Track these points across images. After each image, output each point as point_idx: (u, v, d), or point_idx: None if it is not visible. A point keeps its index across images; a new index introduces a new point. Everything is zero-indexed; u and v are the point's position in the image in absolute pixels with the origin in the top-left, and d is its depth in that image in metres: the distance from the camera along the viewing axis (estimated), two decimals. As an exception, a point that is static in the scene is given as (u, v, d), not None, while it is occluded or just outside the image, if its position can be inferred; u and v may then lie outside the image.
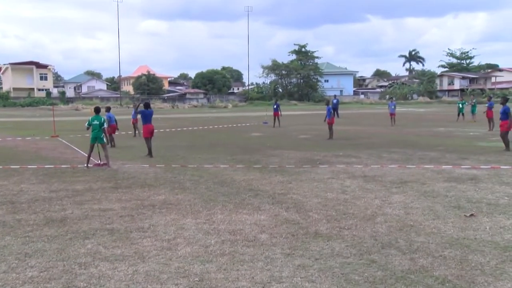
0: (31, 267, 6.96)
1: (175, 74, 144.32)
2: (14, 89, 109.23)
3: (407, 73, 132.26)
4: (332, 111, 27.79)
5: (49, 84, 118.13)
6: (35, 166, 17.10)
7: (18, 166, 17.11)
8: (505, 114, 19.95)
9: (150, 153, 19.14)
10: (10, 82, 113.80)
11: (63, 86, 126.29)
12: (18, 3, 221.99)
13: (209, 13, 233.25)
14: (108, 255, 7.39)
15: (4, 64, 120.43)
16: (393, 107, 39.18)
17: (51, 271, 6.76)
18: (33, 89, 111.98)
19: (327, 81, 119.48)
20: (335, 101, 33.22)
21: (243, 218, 9.46)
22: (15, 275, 6.65)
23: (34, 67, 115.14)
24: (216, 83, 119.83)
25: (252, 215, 9.66)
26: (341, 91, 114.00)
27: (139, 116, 23.07)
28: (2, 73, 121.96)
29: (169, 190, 12.43)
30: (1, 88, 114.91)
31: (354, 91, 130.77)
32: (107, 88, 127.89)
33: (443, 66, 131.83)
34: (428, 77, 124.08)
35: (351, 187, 12.57)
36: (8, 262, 7.20)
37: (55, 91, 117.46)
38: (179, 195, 11.79)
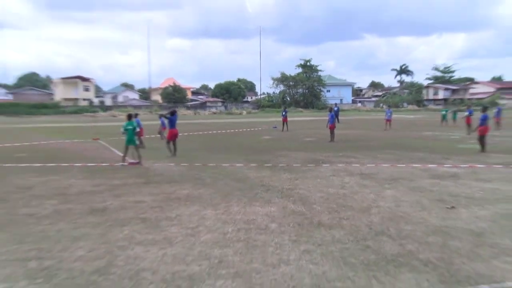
0: (80, 247, 7.15)
1: (197, 85, 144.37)
2: (63, 99, 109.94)
3: (398, 85, 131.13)
4: (335, 117, 27.79)
5: (91, 94, 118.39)
6: (81, 164, 17.28)
7: (67, 164, 17.29)
8: (484, 120, 19.97)
9: (174, 153, 19.28)
10: (60, 93, 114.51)
11: (102, 96, 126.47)
12: (68, 28, 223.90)
13: (226, 32, 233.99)
14: (141, 240, 7.52)
15: (56, 79, 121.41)
16: (389, 114, 39.15)
17: (96, 251, 6.94)
18: (78, 99, 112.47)
19: (329, 91, 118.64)
20: (336, 108, 33.19)
21: (256, 209, 9.53)
22: (68, 254, 6.85)
23: (79, 80, 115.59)
24: (232, 93, 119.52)
25: (263, 207, 9.72)
26: (341, 100, 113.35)
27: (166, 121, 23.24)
28: (55, 86, 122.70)
29: (192, 185, 12.51)
30: (53, 98, 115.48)
31: (352, 100, 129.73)
32: (139, 98, 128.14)
33: (429, 79, 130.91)
34: (416, 88, 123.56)
35: (349, 183, 12.59)
36: (62, 243, 7.40)
37: (96, 101, 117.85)
38: (200, 190, 11.86)
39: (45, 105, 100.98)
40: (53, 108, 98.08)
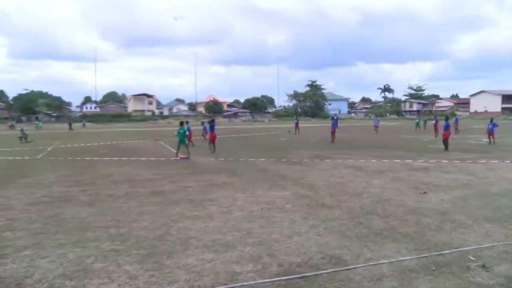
0: (145, 220, 7.16)
1: (230, 99, 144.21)
2: (134, 110, 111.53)
3: (382, 99, 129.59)
4: (335, 124, 27.49)
5: (153, 107, 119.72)
6: (145, 158, 17.43)
7: (136, 158, 17.47)
8: (446, 127, 19.77)
9: (214, 151, 19.30)
10: (132, 106, 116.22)
11: (161, 108, 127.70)
12: (137, 59, 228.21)
13: (252, 60, 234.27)
14: (189, 215, 7.49)
15: (129, 96, 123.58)
16: (377, 121, 39.40)
17: (156, 223, 6.94)
18: (144, 110, 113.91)
19: (330, 104, 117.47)
20: (335, 117, 32.98)
21: (274, 194, 9.43)
22: (136, 224, 6.87)
23: (145, 97, 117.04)
24: (257, 105, 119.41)
25: (280, 192, 9.63)
26: (339, 111, 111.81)
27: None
28: (128, 101, 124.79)
29: (227, 175, 12.46)
30: (127, 110, 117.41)
31: (348, 111, 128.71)
32: (188, 109, 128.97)
33: (405, 95, 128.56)
34: (396, 102, 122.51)
35: (346, 174, 12.40)
36: (132, 216, 7.43)
37: (157, 111, 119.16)
38: (233, 178, 11.81)
39: (121, 115, 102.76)
40: (127, 117, 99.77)
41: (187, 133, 19.24)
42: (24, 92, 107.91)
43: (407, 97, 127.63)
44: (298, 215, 7.38)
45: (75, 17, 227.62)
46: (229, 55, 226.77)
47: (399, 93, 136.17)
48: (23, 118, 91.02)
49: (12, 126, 57.88)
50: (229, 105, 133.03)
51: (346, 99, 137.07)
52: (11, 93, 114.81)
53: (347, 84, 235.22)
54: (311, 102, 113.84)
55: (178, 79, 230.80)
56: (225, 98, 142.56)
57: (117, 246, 5.73)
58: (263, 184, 10.68)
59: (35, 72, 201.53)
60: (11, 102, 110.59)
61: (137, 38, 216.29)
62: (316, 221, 6.98)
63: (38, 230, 6.58)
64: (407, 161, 15.48)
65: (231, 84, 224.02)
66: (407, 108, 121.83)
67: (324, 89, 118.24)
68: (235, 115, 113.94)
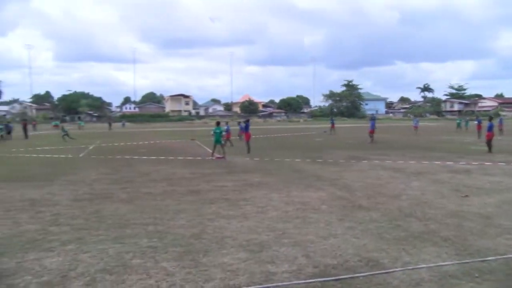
0: (181, 218, 7.30)
1: (266, 99, 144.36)
2: (171, 111, 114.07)
3: (422, 99, 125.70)
4: (375, 124, 26.87)
5: (190, 107, 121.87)
6: (182, 158, 17.76)
7: (173, 157, 17.82)
8: (490, 127, 19.04)
9: (249, 151, 19.39)
10: (169, 107, 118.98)
11: (198, 108, 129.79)
12: (175, 60, 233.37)
13: (287, 60, 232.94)
14: (225, 214, 7.56)
15: (167, 96, 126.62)
16: (416, 121, 38.67)
17: (192, 221, 7.04)
18: (181, 110, 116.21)
19: (367, 104, 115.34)
20: (374, 117, 32.50)
21: (310, 194, 9.36)
22: (173, 222, 7.02)
23: (182, 97, 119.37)
24: (293, 105, 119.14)
25: (316, 193, 9.54)
26: (376, 111, 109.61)
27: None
28: (166, 101, 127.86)
29: (262, 175, 12.47)
30: (165, 110, 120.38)
31: (385, 111, 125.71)
32: (224, 109, 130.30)
33: (446, 95, 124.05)
34: (436, 102, 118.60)
35: (384, 175, 12.12)
36: (169, 214, 7.59)
37: (193, 112, 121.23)
38: (268, 178, 11.82)
39: (159, 115, 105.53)
40: (164, 117, 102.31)
41: (225, 133, 19.50)
42: (67, 93, 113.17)
43: (448, 97, 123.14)
44: (334, 217, 7.29)
45: (116, 21, 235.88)
46: (264, 55, 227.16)
47: (439, 93, 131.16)
48: (67, 118, 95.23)
49: (56, 126, 60.67)
50: (264, 105, 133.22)
51: (384, 99, 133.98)
52: (56, 94, 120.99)
53: (384, 84, 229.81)
54: (347, 102, 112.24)
55: (214, 79, 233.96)
56: (261, 98, 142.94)
57: (154, 243, 5.88)
58: (298, 185, 10.62)
59: (78, 74, 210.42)
60: (56, 103, 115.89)
61: (175, 39, 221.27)
62: (353, 223, 6.87)
63: (81, 226, 6.86)
64: (448, 163, 14.93)
65: (266, 84, 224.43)
66: (448, 108, 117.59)
67: (361, 88, 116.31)
68: (270, 115, 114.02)
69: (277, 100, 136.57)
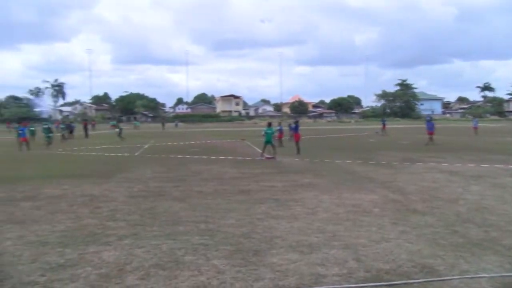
0: (231, 217, 7.40)
1: (316, 100, 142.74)
2: (222, 111, 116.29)
3: (482, 99, 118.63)
4: (433, 125, 25.47)
5: (240, 108, 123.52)
6: (232, 158, 18.03)
7: (223, 157, 18.13)
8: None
9: (298, 152, 19.30)
10: (220, 107, 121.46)
11: (248, 109, 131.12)
12: (225, 62, 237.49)
13: (338, 60, 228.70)
14: (274, 214, 7.57)
15: (217, 97, 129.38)
16: (476, 122, 36.96)
17: (242, 221, 7.13)
18: (231, 111, 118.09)
19: (422, 104, 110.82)
20: (428, 118, 30.88)
21: (361, 196, 9.15)
22: (223, 221, 7.13)
23: (232, 98, 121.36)
24: (343, 106, 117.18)
25: (368, 195, 9.31)
26: (432, 111, 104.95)
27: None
28: (216, 102, 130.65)
29: (312, 176, 12.37)
30: (215, 110, 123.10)
31: (442, 111, 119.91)
32: (273, 110, 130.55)
33: (509, 94, 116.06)
34: (498, 102, 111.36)
35: (440, 179, 11.58)
36: (220, 213, 7.72)
37: (243, 112, 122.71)
38: (318, 179, 11.70)
39: (210, 115, 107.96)
40: (215, 118, 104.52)
41: (277, 133, 19.57)
42: (124, 94, 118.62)
43: (511, 96, 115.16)
44: (386, 220, 7.08)
45: (170, 24, 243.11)
46: (315, 55, 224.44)
47: (501, 92, 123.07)
48: (123, 118, 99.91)
49: (114, 126, 63.86)
50: (315, 106, 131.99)
51: (440, 99, 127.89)
52: (113, 95, 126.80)
53: (441, 83, 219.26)
54: (401, 102, 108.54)
55: (264, 80, 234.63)
56: (311, 98, 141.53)
57: (206, 241, 6.02)
58: (349, 186, 10.43)
59: (134, 76, 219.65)
60: (114, 103, 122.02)
61: (226, 41, 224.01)
62: (407, 227, 6.63)
63: (136, 221, 7.18)
64: (510, 166, 14.00)
65: (316, 85, 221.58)
66: (511, 108, 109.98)
67: (415, 88, 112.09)
68: (320, 115, 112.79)
69: (327, 100, 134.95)
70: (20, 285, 4.57)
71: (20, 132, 24.12)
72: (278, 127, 25.02)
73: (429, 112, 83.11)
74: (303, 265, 5.04)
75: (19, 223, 7.16)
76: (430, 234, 6.24)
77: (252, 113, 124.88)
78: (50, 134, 26.66)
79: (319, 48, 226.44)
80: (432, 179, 11.58)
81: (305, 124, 64.70)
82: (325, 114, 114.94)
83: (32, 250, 5.68)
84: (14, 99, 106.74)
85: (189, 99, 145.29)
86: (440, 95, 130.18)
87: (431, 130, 24.73)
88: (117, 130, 34.03)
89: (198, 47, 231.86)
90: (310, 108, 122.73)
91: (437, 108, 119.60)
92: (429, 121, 26.07)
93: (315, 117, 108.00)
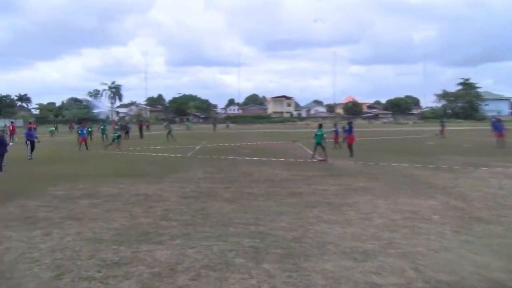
0: (282, 220, 7.37)
1: (371, 100, 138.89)
2: (273, 112, 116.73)
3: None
4: (502, 127, 23.81)
5: (291, 108, 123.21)
6: (283, 159, 18.00)
7: (274, 159, 18.14)
8: None
9: (352, 154, 18.85)
10: (271, 108, 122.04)
11: (299, 110, 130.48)
12: (277, 62, 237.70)
13: (394, 58, 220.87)
14: (326, 219, 7.45)
15: (269, 98, 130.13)
16: None
17: (294, 224, 7.08)
18: (282, 112, 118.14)
19: (487, 104, 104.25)
20: (493, 119, 28.92)
21: (420, 202, 8.76)
22: (274, 224, 7.12)
23: (284, 98, 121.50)
24: (400, 106, 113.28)
25: (426, 201, 8.90)
26: (498, 112, 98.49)
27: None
28: (268, 103, 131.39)
29: (366, 179, 12.04)
30: (266, 111, 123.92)
31: (510, 112, 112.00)
32: (326, 111, 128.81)
33: None
34: None
35: (507, 185, 10.84)
36: (271, 216, 7.72)
37: (295, 113, 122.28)
38: (373, 183, 11.36)
39: (261, 117, 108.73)
40: (266, 119, 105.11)
41: (333, 135, 19.27)
42: (177, 95, 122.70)
43: None
44: (447, 228, 6.72)
45: (222, 26, 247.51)
46: (369, 54, 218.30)
47: None
48: (177, 119, 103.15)
49: (166, 127, 66.10)
50: (369, 106, 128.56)
51: (507, 99, 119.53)
52: (167, 97, 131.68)
53: (508, 82, 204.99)
54: (463, 103, 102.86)
55: (316, 80, 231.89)
56: (365, 99, 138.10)
57: (256, 244, 6.02)
58: (406, 191, 10.03)
59: (187, 78, 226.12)
60: (167, 105, 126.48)
61: (278, 41, 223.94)
62: (470, 236, 6.25)
63: (188, 222, 7.35)
64: None
65: (371, 84, 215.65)
66: None
67: (479, 87, 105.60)
68: (375, 116, 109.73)
69: (383, 100, 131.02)
70: (78, 279, 4.82)
71: (80, 132, 25.59)
72: (333, 128, 24.59)
73: (495, 113, 77.95)
74: (357, 273, 4.89)
75: (78, 220, 7.59)
76: (498, 245, 5.83)
77: (304, 114, 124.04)
78: (117, 134, 27.25)
79: (374, 47, 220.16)
80: (499, 185, 10.85)
81: (359, 125, 63.09)
82: (380, 115, 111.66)
83: (90, 246, 5.98)
84: (75, 100, 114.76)
85: (241, 100, 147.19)
86: (507, 94, 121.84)
87: (500, 131, 23.18)
88: (167, 130, 35.33)
89: (250, 48, 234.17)
90: (365, 109, 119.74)
91: (504, 108, 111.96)
92: (498, 121, 24.44)
93: (370, 118, 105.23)
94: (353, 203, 8.79)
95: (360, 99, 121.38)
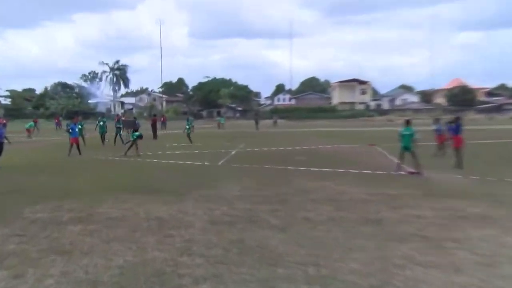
0: (354, 260, 7.27)
1: (491, 84, 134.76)
2: (340, 103, 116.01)
3: None
4: None
5: (367, 98, 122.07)
6: (356, 171, 17.79)
7: (342, 170, 17.99)
8: None
9: (460, 164, 18.26)
10: (337, 97, 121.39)
11: (379, 100, 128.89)
12: (346, 32, 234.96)
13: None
14: (422, 260, 7.25)
15: (334, 83, 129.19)
16: None
17: (370, 267, 6.95)
18: (354, 102, 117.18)
19: None
20: None
21: None
22: (342, 265, 7.04)
23: (356, 83, 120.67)
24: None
25: None
26: None
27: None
28: (333, 90, 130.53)
29: (486, 204, 11.57)
30: (331, 102, 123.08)
31: None
32: (419, 100, 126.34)
33: None
34: None
35: None
36: (337, 252, 7.67)
37: (372, 104, 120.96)
38: (496, 210, 10.90)
39: (323, 109, 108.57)
40: (330, 112, 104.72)
41: (435, 135, 18.83)
42: (205, 80, 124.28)
43: None
44: None
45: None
46: (489, 14, 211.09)
47: None
48: (203, 113, 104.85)
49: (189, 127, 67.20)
50: (489, 93, 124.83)
51: None
52: (191, 82, 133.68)
53: None
54: None
55: (404, 57, 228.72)
56: (482, 82, 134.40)
57: (317, 293, 5.96)
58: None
59: (218, 55, 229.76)
60: (190, 93, 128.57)
61: (347, 2, 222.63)
62: None
63: (218, 258, 7.38)
64: None
65: (492, 61, 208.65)
66: None
67: None
68: (498, 108, 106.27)
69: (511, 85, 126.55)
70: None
71: (70, 130, 26.27)
72: (435, 127, 23.99)
73: None
74: None
75: (65, 254, 7.78)
76: None
77: (386, 105, 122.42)
78: (139, 133, 26.78)
79: (495, 2, 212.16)
80: None
81: (472, 122, 61.17)
82: (506, 107, 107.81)
83: (81, 291, 6.12)
84: (63, 86, 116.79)
85: (294, 86, 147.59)
86: None
87: None
88: (186, 127, 35.33)
89: (307, 12, 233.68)
90: (481, 98, 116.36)
91: None
92: None
93: (489, 111, 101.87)
94: (464, 238, 8.52)
95: (473, 83, 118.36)
